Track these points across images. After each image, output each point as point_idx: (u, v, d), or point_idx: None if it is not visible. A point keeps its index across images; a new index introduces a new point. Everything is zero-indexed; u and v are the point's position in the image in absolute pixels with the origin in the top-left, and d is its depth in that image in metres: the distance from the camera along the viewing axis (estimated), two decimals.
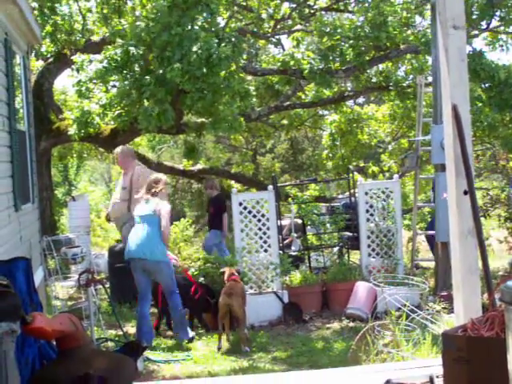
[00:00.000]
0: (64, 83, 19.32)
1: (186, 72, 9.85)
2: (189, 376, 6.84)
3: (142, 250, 7.95)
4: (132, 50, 10.24)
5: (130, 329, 8.79)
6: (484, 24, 12.07)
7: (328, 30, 12.38)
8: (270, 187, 9.90)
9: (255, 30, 14.07)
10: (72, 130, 11.56)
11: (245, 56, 12.35)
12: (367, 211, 10.02)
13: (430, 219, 12.24)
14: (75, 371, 3.92)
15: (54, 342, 4.34)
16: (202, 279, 9.23)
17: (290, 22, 14.19)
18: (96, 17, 13.57)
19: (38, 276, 7.68)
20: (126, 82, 10.33)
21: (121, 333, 7.78)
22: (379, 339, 6.78)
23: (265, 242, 9.62)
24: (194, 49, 9.75)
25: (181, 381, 6.35)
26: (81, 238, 9.78)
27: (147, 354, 7.26)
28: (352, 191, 10.75)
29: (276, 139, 23.60)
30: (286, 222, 11.62)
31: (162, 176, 8.54)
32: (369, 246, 9.98)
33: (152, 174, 9.92)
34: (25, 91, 8.37)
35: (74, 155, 17.95)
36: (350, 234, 10.67)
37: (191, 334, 8.28)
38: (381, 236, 9.95)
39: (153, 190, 8.13)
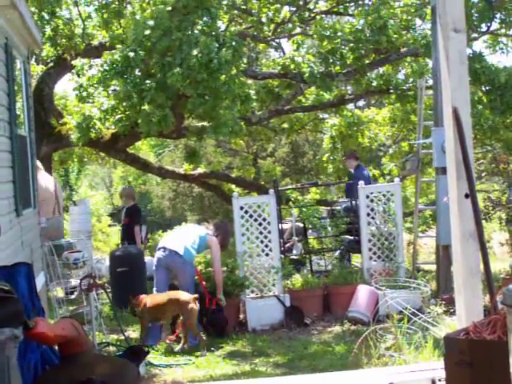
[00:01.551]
0: (64, 87, 19.32)
1: (187, 77, 9.85)
2: (190, 380, 6.84)
3: (178, 245, 8.41)
4: (132, 55, 10.24)
5: (132, 333, 8.79)
6: (484, 27, 12.06)
7: (328, 33, 12.35)
8: (271, 191, 9.90)
9: (255, 33, 14.07)
10: (73, 136, 11.55)
11: (245, 60, 12.33)
12: (368, 215, 10.02)
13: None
14: (77, 376, 3.93)
15: (57, 347, 4.34)
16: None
17: (290, 25, 14.18)
18: (96, 21, 13.59)
19: (40, 281, 7.66)
20: (128, 87, 10.32)
21: (122, 337, 7.79)
22: (381, 342, 6.78)
23: (266, 245, 9.62)
24: (194, 53, 9.74)
25: None
26: (82, 242, 9.77)
27: (149, 358, 7.25)
28: None
29: (277, 143, 23.60)
30: (287, 225, 11.60)
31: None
32: (370, 249, 9.97)
33: (49, 179, 9.99)
34: (25, 96, 8.36)
35: (75, 160, 17.91)
36: (352, 238, 10.65)
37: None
38: (382, 239, 9.95)
39: (215, 232, 8.96)
